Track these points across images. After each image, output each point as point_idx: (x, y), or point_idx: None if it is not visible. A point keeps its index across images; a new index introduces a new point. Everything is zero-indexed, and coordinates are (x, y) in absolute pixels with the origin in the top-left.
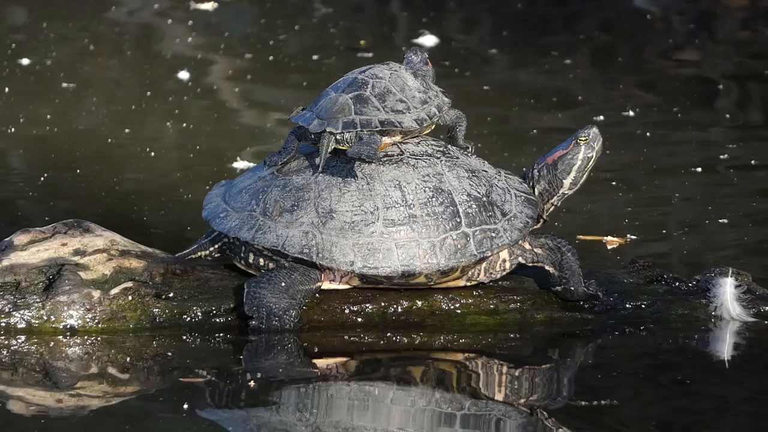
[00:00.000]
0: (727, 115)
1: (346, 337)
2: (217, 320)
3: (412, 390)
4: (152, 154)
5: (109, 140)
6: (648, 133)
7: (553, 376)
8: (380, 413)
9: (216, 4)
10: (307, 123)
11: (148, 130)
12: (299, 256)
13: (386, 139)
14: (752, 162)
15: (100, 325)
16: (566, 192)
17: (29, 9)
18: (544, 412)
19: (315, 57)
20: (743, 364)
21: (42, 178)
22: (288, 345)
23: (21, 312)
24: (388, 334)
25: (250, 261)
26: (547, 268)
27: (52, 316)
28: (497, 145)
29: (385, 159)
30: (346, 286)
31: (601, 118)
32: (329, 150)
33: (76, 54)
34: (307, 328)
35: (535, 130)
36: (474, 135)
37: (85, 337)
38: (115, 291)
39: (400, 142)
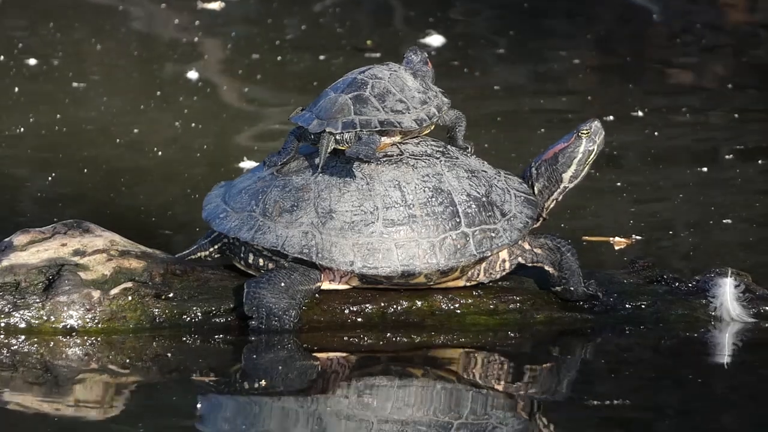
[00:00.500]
0: (736, 115)
1: (345, 338)
2: (217, 320)
3: (411, 389)
4: (159, 153)
5: (117, 140)
6: (656, 133)
7: (554, 375)
8: (380, 412)
9: (223, 4)
10: (306, 123)
11: (156, 130)
12: (299, 256)
13: (386, 140)
14: (759, 162)
15: (99, 326)
16: (567, 186)
17: (35, 9)
18: (553, 412)
19: (322, 57)
20: (743, 364)
21: (49, 178)
22: (288, 345)
23: (21, 312)
24: (388, 335)
25: (250, 261)
26: (546, 268)
27: (51, 317)
28: (504, 145)
29: (384, 159)
30: (346, 287)
31: (611, 118)
32: (329, 150)
33: (83, 54)
34: (307, 328)
35: (542, 129)
36: (482, 135)
37: (85, 338)
38: (114, 291)
39: (399, 143)
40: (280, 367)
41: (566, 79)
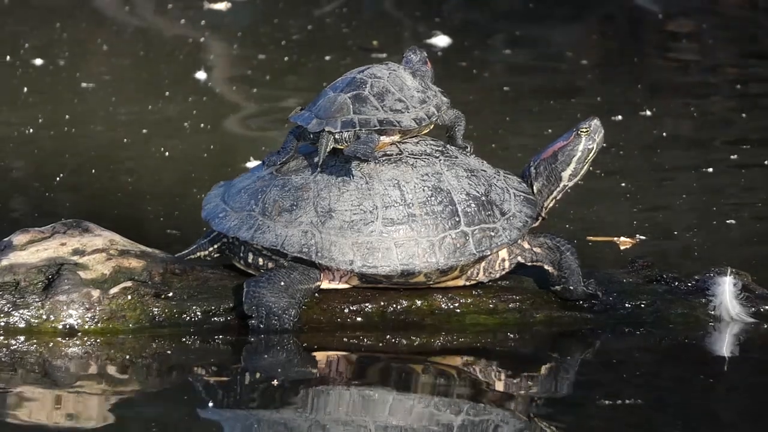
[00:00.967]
0: (744, 115)
1: (345, 338)
2: (217, 320)
3: (411, 388)
4: (167, 153)
5: (125, 140)
6: (664, 134)
7: (554, 375)
8: (379, 411)
9: (229, 4)
10: (305, 123)
11: (164, 129)
12: (298, 255)
13: (385, 139)
14: (765, 162)
15: (99, 325)
16: (566, 184)
17: (41, 9)
18: (553, 412)
19: (328, 57)
20: (742, 363)
21: (57, 179)
22: (287, 344)
23: (20, 311)
24: (388, 335)
25: (250, 261)
26: (546, 267)
27: (51, 316)
28: (512, 145)
29: (383, 158)
30: (346, 286)
31: (619, 117)
32: (328, 149)
33: (89, 54)
34: (307, 327)
35: (549, 130)
36: (489, 135)
37: (85, 337)
38: (114, 290)
39: (399, 142)
40: (279, 367)
41: (574, 80)
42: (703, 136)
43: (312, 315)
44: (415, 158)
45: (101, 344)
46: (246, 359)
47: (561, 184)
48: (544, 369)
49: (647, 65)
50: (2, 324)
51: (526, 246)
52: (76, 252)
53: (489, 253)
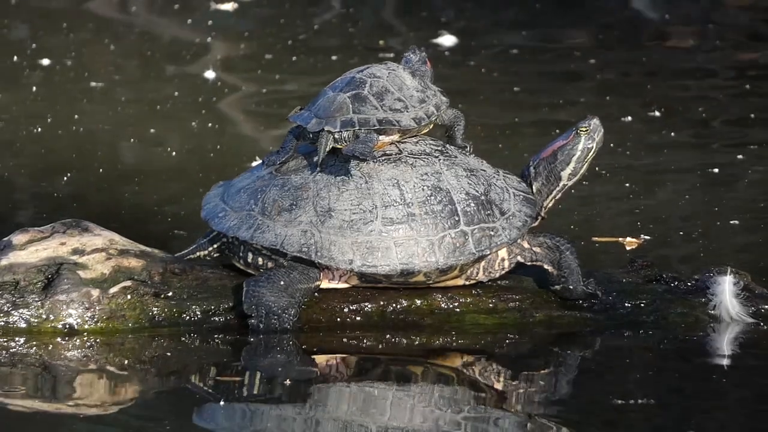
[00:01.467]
0: (752, 115)
1: (345, 337)
2: (216, 319)
3: (411, 388)
4: (173, 153)
5: (132, 140)
6: (672, 134)
7: (554, 375)
8: (379, 411)
9: (236, 5)
10: (305, 122)
11: (172, 129)
12: (298, 254)
13: (385, 138)
14: None
15: (99, 324)
16: (566, 183)
17: (48, 10)
18: (553, 412)
19: (334, 57)
20: (742, 362)
21: (65, 178)
22: (287, 344)
23: (20, 311)
24: (387, 334)
25: (249, 260)
26: (545, 266)
27: (51, 315)
28: (519, 146)
29: (383, 158)
30: (345, 285)
31: (629, 119)
32: (327, 149)
33: (96, 54)
34: (306, 327)
35: (557, 130)
36: (496, 136)
37: (84, 336)
38: (114, 290)
39: (398, 142)
40: (279, 366)
41: (583, 79)
42: (708, 136)
43: (312, 314)
44: (414, 158)
45: (101, 344)
46: (245, 359)
47: (560, 184)
48: (543, 368)
49: (652, 67)
50: (2, 324)
51: (526, 245)
52: (75, 251)
53: (488, 252)
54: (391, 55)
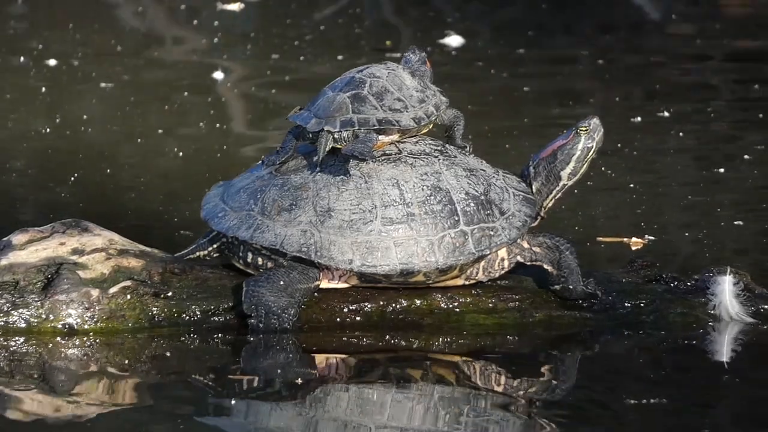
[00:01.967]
0: (760, 115)
1: (344, 337)
2: (216, 319)
3: (411, 388)
4: (180, 154)
5: (139, 140)
6: (681, 134)
7: (554, 376)
8: (379, 411)
9: (243, 5)
10: (305, 122)
11: (180, 130)
12: (298, 254)
13: (384, 138)
14: None
15: (98, 324)
16: (566, 183)
17: (54, 10)
18: (553, 413)
19: (340, 57)
20: (742, 363)
21: (72, 178)
22: (287, 344)
23: (20, 311)
24: (387, 334)
25: (249, 260)
26: (545, 266)
27: (50, 315)
28: (527, 147)
29: (383, 158)
30: (345, 285)
31: (639, 119)
32: (327, 149)
33: (103, 55)
34: (306, 327)
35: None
36: (504, 136)
37: (84, 336)
38: (113, 290)
39: (398, 141)
40: (278, 366)
41: (592, 80)
42: (714, 136)
43: (311, 314)
44: (414, 158)
45: (100, 344)
46: (245, 359)
47: (560, 183)
48: (543, 368)
49: (659, 67)
50: (1, 323)
51: (526, 245)
52: (75, 251)
53: (488, 252)
54: (398, 55)
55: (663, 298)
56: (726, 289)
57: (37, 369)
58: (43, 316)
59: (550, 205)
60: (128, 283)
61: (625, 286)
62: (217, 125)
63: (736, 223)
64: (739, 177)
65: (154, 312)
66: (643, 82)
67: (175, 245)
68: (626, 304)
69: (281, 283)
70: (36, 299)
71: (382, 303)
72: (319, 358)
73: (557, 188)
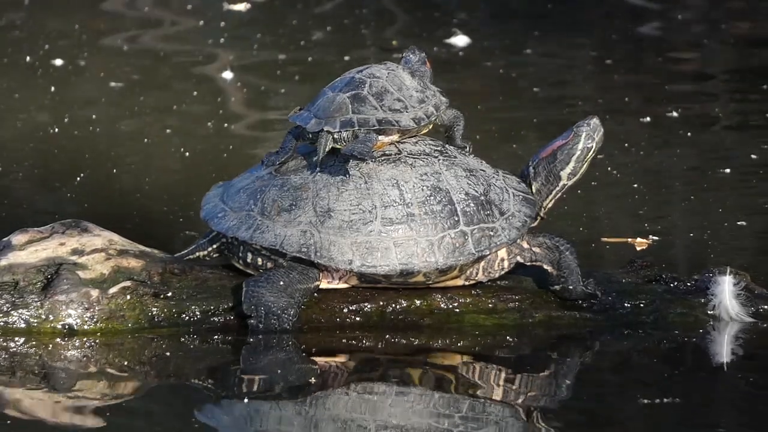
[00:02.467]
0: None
1: (344, 337)
2: (216, 319)
3: (411, 388)
4: (186, 154)
5: (146, 140)
6: (689, 134)
7: (553, 377)
8: (379, 411)
9: (249, 5)
10: (304, 122)
11: (188, 130)
12: (297, 255)
13: (384, 139)
14: None
15: (98, 325)
16: (566, 183)
17: (60, 11)
18: (554, 413)
19: (347, 58)
20: (741, 363)
21: (78, 178)
22: (286, 344)
23: (19, 311)
24: (387, 334)
25: (249, 260)
26: (545, 267)
27: (50, 316)
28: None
29: (382, 158)
30: (345, 286)
31: (648, 119)
32: (327, 149)
33: (110, 55)
34: (306, 327)
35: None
36: (511, 136)
37: (84, 337)
38: (113, 290)
39: (398, 142)
40: (278, 367)
41: (601, 80)
42: (720, 136)
43: (311, 315)
44: (414, 158)
45: (100, 344)
46: (245, 359)
47: (560, 183)
48: (543, 368)
49: (666, 67)
50: (1, 324)
51: (525, 246)
52: (75, 252)
53: (488, 252)
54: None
55: (663, 298)
56: (726, 290)
57: (37, 369)
58: (43, 317)
59: (550, 205)
60: (128, 283)
61: (625, 286)
62: (225, 125)
63: (739, 223)
64: (744, 177)
65: (154, 312)
66: (652, 82)
67: (180, 245)
68: (626, 305)
69: (281, 283)
70: (36, 299)
71: (381, 303)
72: (319, 359)
73: (557, 188)
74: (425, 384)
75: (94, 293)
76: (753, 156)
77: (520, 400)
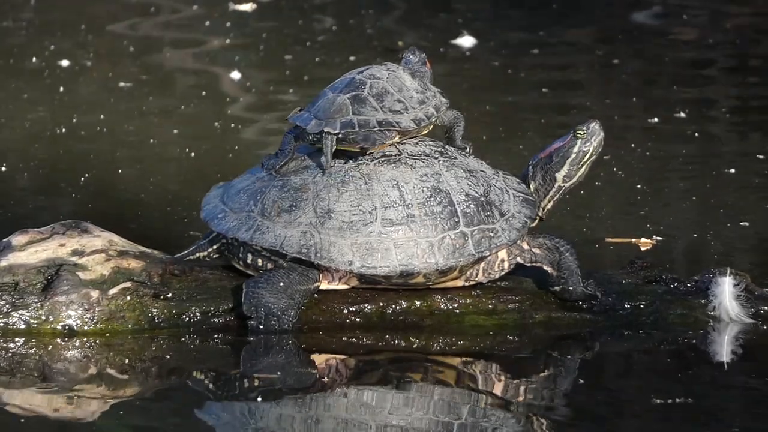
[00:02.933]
0: None
1: (344, 338)
2: (216, 320)
3: (411, 389)
4: (192, 154)
5: (151, 141)
6: (696, 134)
7: (553, 377)
8: (379, 412)
9: (255, 6)
10: (304, 123)
11: (195, 130)
12: (297, 256)
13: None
14: None
15: (98, 326)
16: (562, 185)
17: (66, 11)
18: (553, 414)
19: (353, 58)
20: (741, 364)
21: (82, 179)
22: (286, 345)
23: (19, 312)
24: (387, 335)
25: (249, 261)
26: (545, 268)
27: (50, 317)
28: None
29: (382, 159)
30: (345, 286)
31: (656, 120)
32: (333, 150)
33: (116, 56)
34: (306, 328)
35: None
36: (517, 136)
37: (84, 338)
38: (113, 291)
39: (398, 143)
40: (278, 367)
41: (609, 81)
42: (725, 136)
43: (311, 316)
44: (414, 159)
45: (100, 345)
46: (245, 360)
47: (556, 185)
48: (543, 370)
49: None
50: (1, 325)
51: (526, 247)
52: (75, 253)
53: (488, 253)
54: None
55: (663, 299)
56: (726, 291)
57: (37, 370)
58: (43, 318)
59: (548, 206)
60: (128, 284)
61: (625, 287)
62: (232, 125)
63: (742, 224)
64: (749, 177)
65: (154, 313)
66: (659, 83)
67: (185, 246)
68: (626, 306)
69: (281, 284)
70: (36, 300)
71: (381, 304)
72: (319, 360)
73: (553, 190)
74: (425, 384)
75: (94, 294)
76: (759, 156)
77: (520, 400)
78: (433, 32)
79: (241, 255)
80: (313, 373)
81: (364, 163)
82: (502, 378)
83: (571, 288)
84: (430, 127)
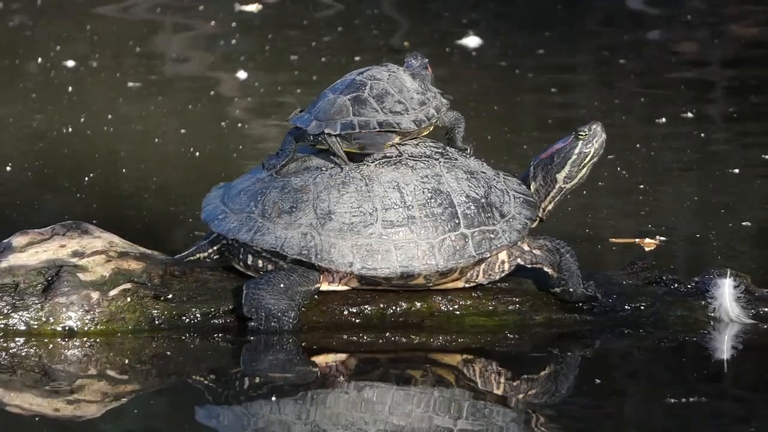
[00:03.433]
0: None
1: (345, 339)
2: (216, 321)
3: (411, 390)
4: (197, 154)
5: (156, 140)
6: (702, 134)
7: (553, 377)
8: (379, 412)
9: (260, 6)
10: (305, 124)
11: (202, 130)
12: (298, 257)
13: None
14: None
15: (98, 327)
16: (563, 186)
17: (71, 12)
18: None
19: (357, 58)
20: (741, 365)
21: (86, 179)
22: (287, 346)
23: (20, 313)
24: (387, 336)
25: (249, 262)
26: (546, 269)
27: (50, 318)
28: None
29: (383, 160)
30: (345, 288)
31: (663, 120)
32: (341, 150)
33: (122, 56)
34: (306, 329)
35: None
36: (522, 137)
37: (84, 339)
38: (113, 292)
39: (398, 144)
40: (279, 368)
41: (616, 81)
42: (731, 137)
43: (311, 317)
44: (414, 160)
45: (100, 346)
46: (245, 361)
47: (557, 186)
48: (543, 371)
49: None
50: (1, 326)
51: (526, 248)
52: (75, 254)
53: (488, 255)
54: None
55: (663, 300)
56: (726, 292)
57: (37, 371)
58: (43, 319)
59: (549, 207)
60: (128, 285)
61: (626, 288)
62: (239, 125)
63: (744, 224)
64: (751, 178)
65: (155, 314)
66: (668, 82)
67: (190, 246)
68: (626, 307)
69: (281, 285)
70: (36, 301)
71: (382, 305)
72: (319, 360)
73: (554, 191)
74: (425, 383)
75: (95, 295)
76: (764, 156)
77: (520, 399)
78: (438, 32)
79: (241, 256)
80: (313, 374)
81: (364, 164)
82: (503, 375)
83: (571, 289)
84: (431, 128)
